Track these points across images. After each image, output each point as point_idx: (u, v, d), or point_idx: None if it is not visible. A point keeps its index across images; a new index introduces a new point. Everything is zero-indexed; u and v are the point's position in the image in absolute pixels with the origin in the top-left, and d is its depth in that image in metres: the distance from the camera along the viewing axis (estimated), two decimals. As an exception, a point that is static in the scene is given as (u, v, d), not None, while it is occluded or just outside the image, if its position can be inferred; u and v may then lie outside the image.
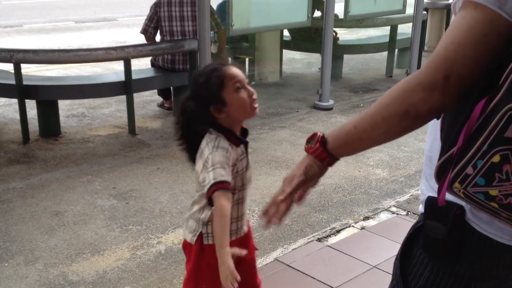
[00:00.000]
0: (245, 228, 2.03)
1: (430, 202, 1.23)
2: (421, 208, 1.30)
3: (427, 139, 1.33)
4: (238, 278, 1.72)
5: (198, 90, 1.83)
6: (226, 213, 1.76)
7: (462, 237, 1.18)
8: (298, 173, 1.33)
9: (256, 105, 1.87)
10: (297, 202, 1.39)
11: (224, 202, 1.75)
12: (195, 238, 1.92)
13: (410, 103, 1.09)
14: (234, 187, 1.87)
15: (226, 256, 1.75)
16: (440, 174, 1.09)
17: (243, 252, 1.82)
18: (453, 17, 1.14)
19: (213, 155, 1.78)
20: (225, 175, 1.76)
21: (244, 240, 2.04)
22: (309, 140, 1.32)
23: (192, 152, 1.91)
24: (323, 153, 1.29)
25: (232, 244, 1.92)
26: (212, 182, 1.75)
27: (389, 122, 1.13)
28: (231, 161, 1.80)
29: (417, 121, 1.10)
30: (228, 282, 1.72)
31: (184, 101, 1.87)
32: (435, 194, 1.17)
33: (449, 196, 1.12)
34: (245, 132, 1.93)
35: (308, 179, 1.33)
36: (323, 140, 1.29)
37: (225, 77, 1.81)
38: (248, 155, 1.92)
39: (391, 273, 1.40)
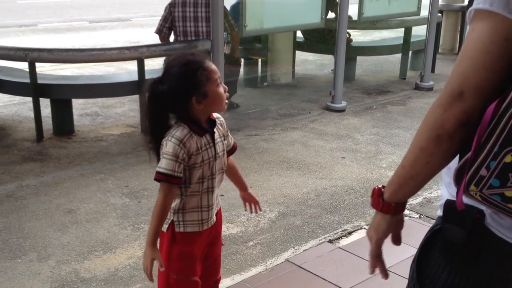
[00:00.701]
0: (215, 218, 2.07)
1: (449, 206, 1.23)
2: (439, 212, 1.29)
3: None
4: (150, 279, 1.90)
5: (181, 79, 1.85)
6: (165, 212, 1.89)
7: (481, 241, 1.17)
8: (371, 235, 1.32)
9: (227, 100, 1.95)
10: (396, 243, 1.39)
11: (166, 199, 1.87)
12: (167, 226, 1.97)
13: (438, 126, 1.11)
14: (203, 176, 1.93)
15: (149, 255, 1.86)
16: (459, 178, 1.09)
17: (162, 267, 1.90)
18: (467, 26, 1.16)
19: (167, 143, 1.85)
20: (175, 170, 1.83)
21: (213, 232, 2.09)
22: (371, 195, 1.33)
23: (159, 139, 1.92)
24: (383, 204, 1.28)
25: (204, 233, 2.02)
26: (158, 170, 1.85)
27: (428, 150, 1.14)
28: (184, 151, 1.85)
29: (452, 141, 1.10)
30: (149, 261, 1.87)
31: (155, 85, 1.88)
32: (455, 199, 1.17)
33: (468, 201, 1.12)
34: (212, 122, 1.98)
35: (382, 236, 1.31)
36: (380, 192, 1.29)
37: (211, 71, 1.87)
38: (215, 145, 1.96)
39: (403, 275, 1.41)
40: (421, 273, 1.31)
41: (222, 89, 1.90)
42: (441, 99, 1.11)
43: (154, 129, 1.93)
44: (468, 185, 1.06)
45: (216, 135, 1.98)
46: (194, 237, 1.99)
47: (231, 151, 2.11)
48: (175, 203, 1.94)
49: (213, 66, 1.89)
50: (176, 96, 1.85)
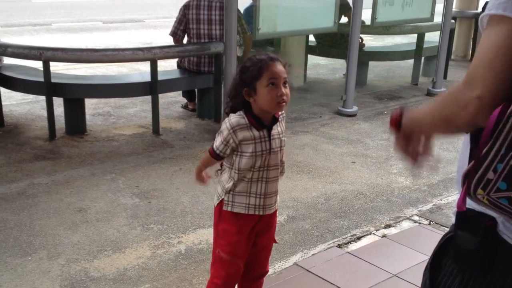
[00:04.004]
0: (270, 211, 2.19)
1: (461, 213, 1.23)
2: (453, 220, 1.29)
3: (460, 150, 1.35)
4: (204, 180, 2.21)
5: (242, 71, 2.07)
6: (207, 165, 2.21)
7: (493, 248, 1.17)
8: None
9: (283, 103, 2.04)
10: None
11: (207, 162, 2.19)
12: (217, 202, 2.17)
13: (450, 115, 1.15)
14: (254, 166, 2.07)
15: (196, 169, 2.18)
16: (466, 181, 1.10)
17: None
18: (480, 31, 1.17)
19: (225, 124, 2.07)
20: (221, 151, 2.08)
21: (263, 223, 2.22)
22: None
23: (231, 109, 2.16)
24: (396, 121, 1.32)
25: (250, 219, 2.16)
26: (213, 147, 2.11)
27: (437, 126, 1.22)
28: (233, 139, 2.04)
29: (458, 130, 1.17)
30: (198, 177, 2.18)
31: (235, 75, 2.14)
32: (468, 206, 1.18)
33: (480, 208, 1.13)
34: (274, 120, 2.11)
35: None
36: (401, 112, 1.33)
37: (265, 71, 2.01)
38: (271, 140, 2.08)
39: (412, 282, 1.40)
40: (434, 280, 1.31)
41: (274, 90, 2.00)
42: (459, 95, 1.12)
43: (231, 102, 2.13)
44: (475, 188, 1.06)
45: (275, 132, 2.10)
46: (238, 218, 2.14)
47: None
48: (228, 185, 2.12)
49: (272, 68, 2.01)
50: (235, 84, 2.08)
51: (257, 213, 2.15)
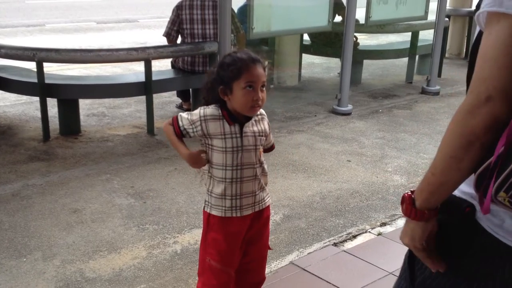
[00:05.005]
0: (248, 212, 2.11)
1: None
2: None
3: None
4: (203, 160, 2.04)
5: (221, 67, 2.01)
6: (168, 134, 2.08)
7: (470, 235, 1.19)
8: (407, 242, 1.27)
9: (257, 108, 2.01)
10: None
11: (165, 128, 2.09)
12: (204, 205, 2.14)
13: (469, 133, 1.09)
14: (226, 164, 2.03)
15: (182, 152, 2.05)
16: (479, 183, 1.08)
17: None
18: (477, 28, 1.16)
19: (199, 110, 2.04)
20: (185, 128, 2.04)
21: (254, 229, 2.17)
22: (402, 203, 1.28)
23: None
24: (416, 211, 1.23)
25: (233, 223, 2.10)
26: (178, 116, 2.06)
27: (458, 157, 1.11)
28: (202, 126, 2.01)
29: (482, 146, 1.08)
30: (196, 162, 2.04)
31: (212, 67, 2.10)
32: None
33: (462, 194, 1.16)
34: (247, 118, 2.06)
35: (418, 243, 1.25)
36: (411, 200, 1.25)
37: (244, 72, 1.95)
38: (242, 137, 2.03)
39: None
40: (413, 261, 1.33)
41: (250, 93, 1.95)
42: (469, 105, 1.09)
43: (206, 96, 2.10)
44: (497, 191, 1.04)
45: (248, 129, 2.04)
46: (223, 224, 2.09)
47: (268, 149, 2.22)
48: (208, 183, 2.10)
49: (256, 72, 1.96)
50: (212, 79, 2.03)
51: (234, 215, 2.08)
